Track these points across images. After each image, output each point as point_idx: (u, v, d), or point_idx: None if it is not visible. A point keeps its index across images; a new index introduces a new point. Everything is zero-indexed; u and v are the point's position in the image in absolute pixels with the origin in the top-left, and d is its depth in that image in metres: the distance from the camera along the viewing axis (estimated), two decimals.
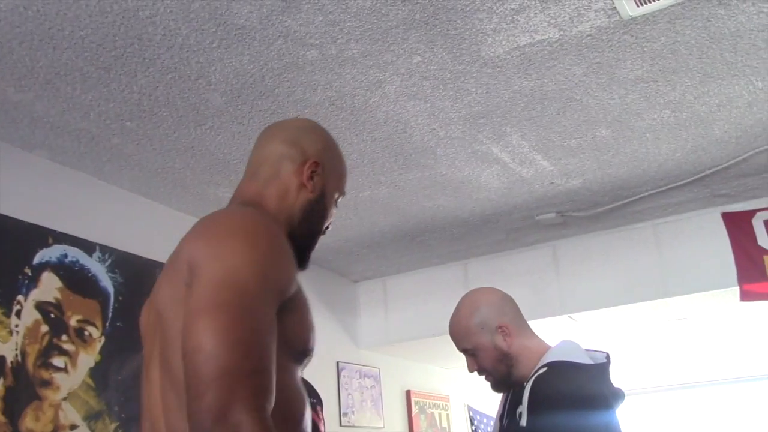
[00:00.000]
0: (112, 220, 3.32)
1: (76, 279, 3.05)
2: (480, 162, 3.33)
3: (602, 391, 1.82)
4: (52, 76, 2.46)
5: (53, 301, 2.93)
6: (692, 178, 3.60)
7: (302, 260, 1.43)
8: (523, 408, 1.74)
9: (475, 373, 2.03)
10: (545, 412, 1.70)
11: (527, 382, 1.80)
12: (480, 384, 6.71)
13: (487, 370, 1.98)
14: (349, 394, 4.62)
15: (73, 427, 2.89)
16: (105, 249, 3.21)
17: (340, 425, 4.49)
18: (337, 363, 4.61)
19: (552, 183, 3.61)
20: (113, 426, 3.04)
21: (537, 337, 2.00)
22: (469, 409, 6.19)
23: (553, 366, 1.81)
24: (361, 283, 5.05)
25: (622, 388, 1.94)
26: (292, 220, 1.42)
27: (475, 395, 6.36)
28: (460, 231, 4.20)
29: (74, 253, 3.07)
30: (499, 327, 1.95)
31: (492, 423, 6.42)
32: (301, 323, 1.28)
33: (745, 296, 3.74)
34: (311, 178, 1.44)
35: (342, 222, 3.90)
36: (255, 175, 1.47)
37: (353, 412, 4.61)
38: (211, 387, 1.04)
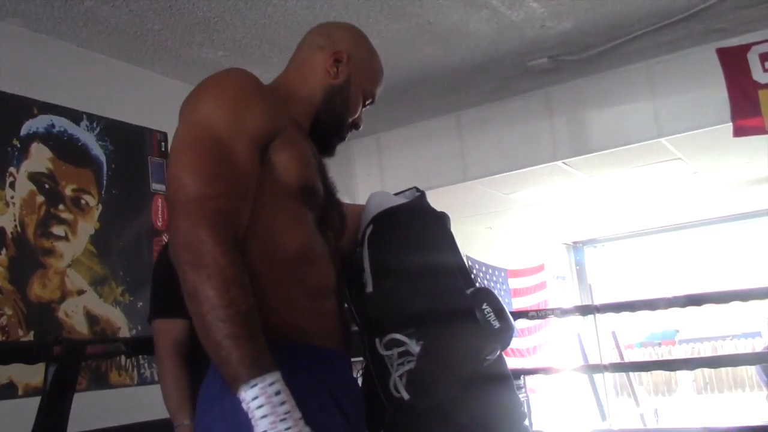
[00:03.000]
0: (97, 88, 3.26)
1: (66, 148, 3.04)
2: (468, 6, 3.22)
3: (436, 221, 1.75)
4: None
5: (46, 171, 2.94)
6: (686, 13, 3.49)
7: (328, 147, 1.57)
8: (367, 273, 1.64)
9: None
10: (393, 269, 1.62)
11: (360, 247, 1.69)
12: (479, 235, 6.81)
13: None
14: None
15: (81, 291, 2.97)
16: (92, 117, 3.17)
17: None
18: None
19: (543, 26, 3.51)
20: (119, 289, 3.12)
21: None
22: (467, 258, 6.35)
23: (378, 219, 1.72)
24: (354, 140, 5.02)
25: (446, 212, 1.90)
26: (314, 101, 1.51)
27: (473, 245, 6.51)
28: (450, 81, 4.14)
29: (61, 123, 3.04)
30: None
31: (491, 271, 6.61)
32: (293, 160, 1.36)
33: (738, 132, 3.73)
34: (335, 65, 1.53)
35: None
36: (288, 64, 1.59)
37: None
38: (179, 211, 1.19)
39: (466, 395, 1.60)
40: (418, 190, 1.86)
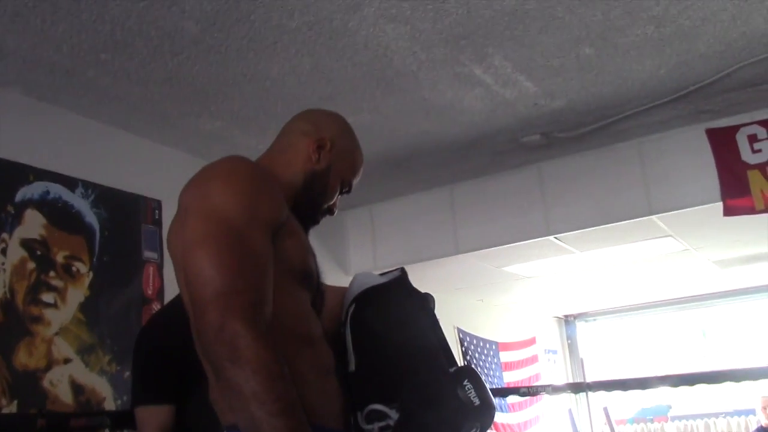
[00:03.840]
0: (93, 155, 3.28)
1: (60, 215, 3.04)
2: (462, 85, 3.29)
3: (411, 303, 1.78)
4: (20, 7, 2.39)
5: (38, 237, 2.93)
6: (676, 95, 3.57)
7: (304, 227, 1.59)
8: (350, 353, 1.67)
9: None
10: (373, 347, 1.65)
11: (343, 327, 1.72)
12: (470, 307, 6.79)
13: None
14: None
15: (67, 360, 2.93)
16: (87, 185, 3.19)
17: None
18: None
19: (536, 104, 3.58)
20: (107, 359, 3.08)
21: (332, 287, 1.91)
22: (459, 331, 6.30)
23: (359, 299, 1.75)
24: (347, 211, 5.05)
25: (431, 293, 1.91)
26: (295, 186, 1.55)
27: (464, 317, 6.47)
28: (444, 155, 4.19)
29: (56, 190, 3.05)
30: None
31: (482, 344, 6.55)
32: (296, 247, 1.42)
33: (729, 211, 3.77)
34: (318, 151, 1.58)
35: None
36: (273, 146, 1.64)
37: None
38: (209, 307, 1.20)
39: None
40: (402, 270, 1.89)
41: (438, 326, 1.79)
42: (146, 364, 2.00)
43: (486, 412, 1.62)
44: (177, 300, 2.48)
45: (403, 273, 1.88)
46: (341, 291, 1.81)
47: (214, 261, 1.23)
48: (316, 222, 1.66)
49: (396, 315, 1.72)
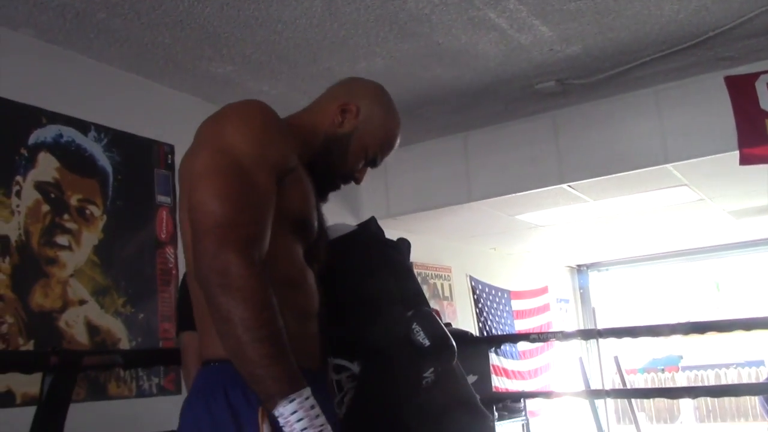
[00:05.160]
0: (106, 99, 3.28)
1: (73, 159, 3.05)
2: (477, 29, 3.24)
3: (380, 251, 1.80)
4: None
5: (52, 181, 2.95)
6: (695, 41, 3.50)
7: (320, 193, 1.58)
8: None
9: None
10: (338, 295, 1.67)
11: None
12: (483, 256, 6.82)
13: None
14: None
15: (82, 302, 2.97)
16: (100, 128, 3.19)
17: None
18: None
19: (551, 50, 3.53)
20: (121, 301, 3.12)
21: None
22: (471, 279, 6.33)
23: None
24: None
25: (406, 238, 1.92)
26: (313, 146, 1.54)
27: (477, 266, 6.50)
28: (458, 102, 4.15)
29: (69, 133, 3.06)
30: None
31: (494, 292, 6.59)
32: (300, 197, 1.43)
33: (745, 160, 3.73)
34: (342, 115, 1.56)
35: None
36: (306, 107, 1.64)
37: None
38: (208, 235, 1.24)
39: (407, 417, 1.64)
40: (371, 219, 1.90)
41: (402, 272, 1.80)
42: (187, 293, 2.05)
43: (440, 351, 1.64)
44: None
45: (370, 221, 1.89)
46: None
47: (218, 193, 1.27)
48: (335, 187, 1.64)
49: (355, 266, 1.73)
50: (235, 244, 1.22)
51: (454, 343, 1.69)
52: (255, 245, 1.25)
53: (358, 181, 1.65)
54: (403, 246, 1.90)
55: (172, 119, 3.53)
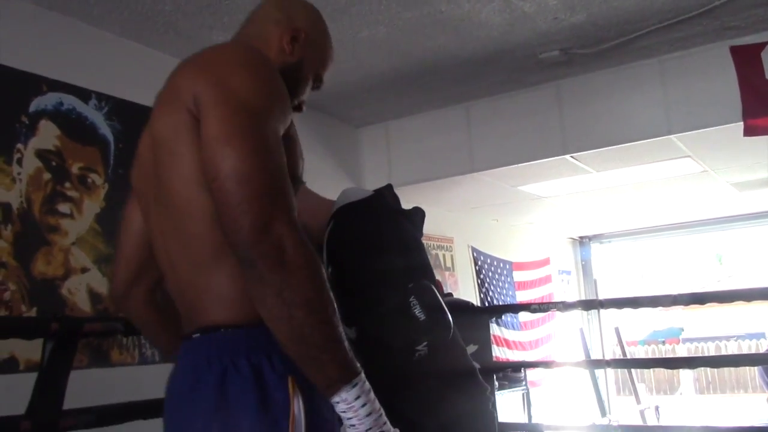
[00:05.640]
0: (106, 67, 3.26)
1: (74, 127, 3.04)
2: None
3: (392, 220, 1.80)
4: None
5: (53, 149, 2.94)
6: (701, 10, 3.47)
7: None
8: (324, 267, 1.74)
9: None
10: (344, 266, 1.69)
11: (324, 243, 1.77)
12: (485, 227, 6.82)
13: None
14: None
15: (84, 269, 2.98)
16: (101, 96, 3.18)
17: None
18: None
19: (555, 18, 3.49)
20: None
21: (323, 198, 1.93)
22: (473, 250, 6.34)
23: (337, 215, 1.78)
24: (363, 128, 5.02)
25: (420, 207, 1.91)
26: None
27: (479, 237, 6.50)
28: (461, 72, 4.12)
29: (70, 101, 3.04)
30: None
31: (495, 263, 6.60)
32: (293, 151, 1.38)
33: (749, 131, 3.71)
34: (292, 44, 1.46)
35: (341, 65, 3.82)
36: (239, 34, 1.51)
37: None
38: (253, 206, 1.11)
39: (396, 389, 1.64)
40: (387, 186, 1.89)
41: (411, 243, 1.80)
42: None
43: (434, 326, 1.64)
44: None
45: (385, 189, 1.88)
46: (329, 203, 1.83)
47: (250, 158, 1.14)
48: None
49: (363, 234, 1.74)
50: (285, 215, 1.13)
51: (450, 318, 1.70)
52: (295, 213, 1.16)
53: (302, 109, 1.53)
54: (416, 216, 1.90)
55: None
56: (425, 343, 1.63)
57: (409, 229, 1.84)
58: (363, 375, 1.14)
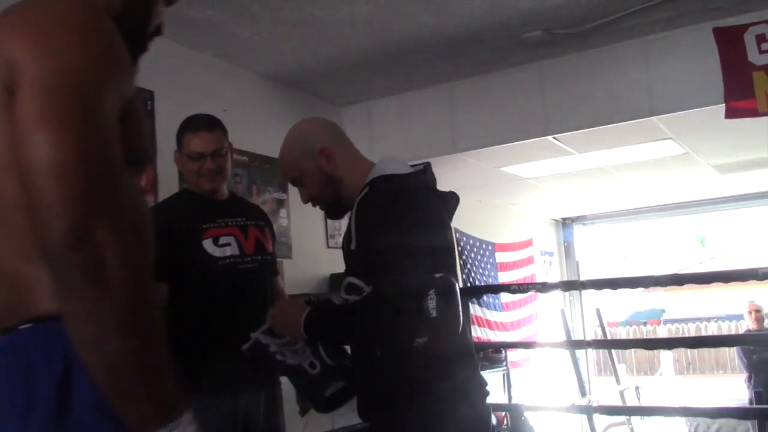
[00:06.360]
0: None
1: None
2: None
3: (427, 198, 1.82)
4: None
5: None
6: None
7: (132, 57, 1.21)
8: (352, 231, 1.75)
9: (310, 204, 1.99)
10: (371, 232, 1.71)
11: (355, 204, 1.79)
12: (468, 208, 6.79)
13: (317, 197, 1.95)
14: None
15: None
16: None
17: (327, 246, 4.61)
18: None
19: None
20: None
21: (364, 159, 1.97)
22: (456, 231, 6.34)
23: (374, 183, 1.80)
24: (345, 107, 4.98)
25: (455, 192, 1.94)
26: (114, 9, 1.16)
27: (461, 218, 6.50)
28: (444, 51, 4.09)
29: None
30: (321, 151, 1.89)
31: (478, 244, 6.61)
32: (139, 128, 1.20)
33: (730, 113, 3.70)
34: None
35: (322, 42, 3.78)
36: None
37: (339, 234, 4.71)
38: (69, 208, 0.94)
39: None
40: (426, 165, 1.92)
41: (438, 227, 1.82)
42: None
43: (441, 326, 1.65)
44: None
45: (426, 167, 1.91)
46: None
47: (69, 149, 0.95)
48: (144, 50, 1.28)
49: (394, 208, 1.74)
50: (109, 220, 0.96)
51: (459, 324, 1.74)
52: (123, 214, 0.99)
53: (161, 32, 1.29)
54: (451, 200, 1.93)
55: (152, 65, 3.40)
56: (425, 339, 1.64)
57: (441, 212, 1.86)
58: (188, 417, 0.98)
